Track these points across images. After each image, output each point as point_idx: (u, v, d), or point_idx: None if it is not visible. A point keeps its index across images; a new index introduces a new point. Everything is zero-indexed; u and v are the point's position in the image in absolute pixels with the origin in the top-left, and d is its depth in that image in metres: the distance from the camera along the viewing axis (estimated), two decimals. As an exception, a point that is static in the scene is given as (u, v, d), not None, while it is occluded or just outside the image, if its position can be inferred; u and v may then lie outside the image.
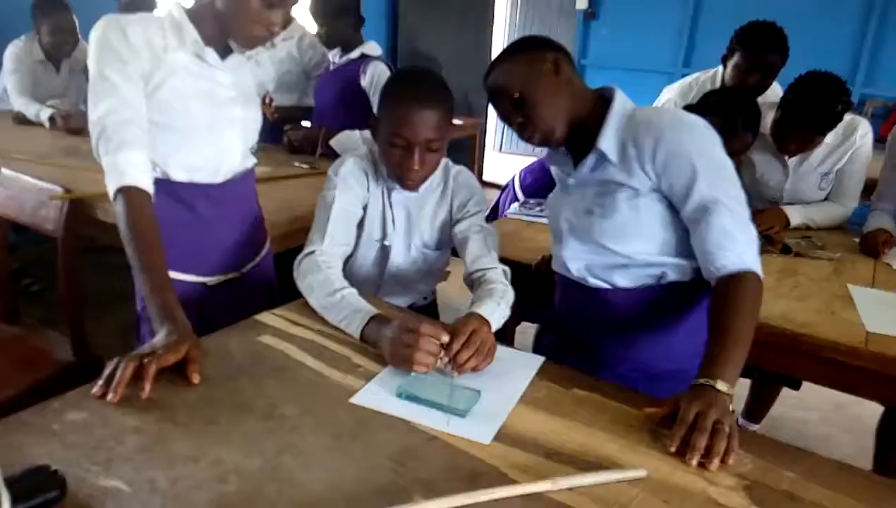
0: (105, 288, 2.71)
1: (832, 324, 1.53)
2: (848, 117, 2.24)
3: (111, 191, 1.28)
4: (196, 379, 1.08)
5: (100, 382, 1.03)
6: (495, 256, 1.52)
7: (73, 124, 2.94)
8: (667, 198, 1.28)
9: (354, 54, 2.76)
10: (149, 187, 1.30)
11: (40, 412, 0.99)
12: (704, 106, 2.00)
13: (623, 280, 1.35)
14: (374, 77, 2.70)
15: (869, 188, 2.37)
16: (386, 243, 1.62)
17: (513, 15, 7.55)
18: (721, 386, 1.07)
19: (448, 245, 1.68)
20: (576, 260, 1.38)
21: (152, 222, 1.27)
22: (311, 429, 1.00)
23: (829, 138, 2.24)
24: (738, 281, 1.20)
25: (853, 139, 2.26)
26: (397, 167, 1.46)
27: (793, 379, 2.33)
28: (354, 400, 1.08)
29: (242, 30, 1.35)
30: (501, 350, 1.28)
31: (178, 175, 1.42)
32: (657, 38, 5.13)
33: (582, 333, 1.44)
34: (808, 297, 1.68)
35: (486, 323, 1.25)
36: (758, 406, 2.61)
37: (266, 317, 1.34)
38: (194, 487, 0.86)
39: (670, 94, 2.74)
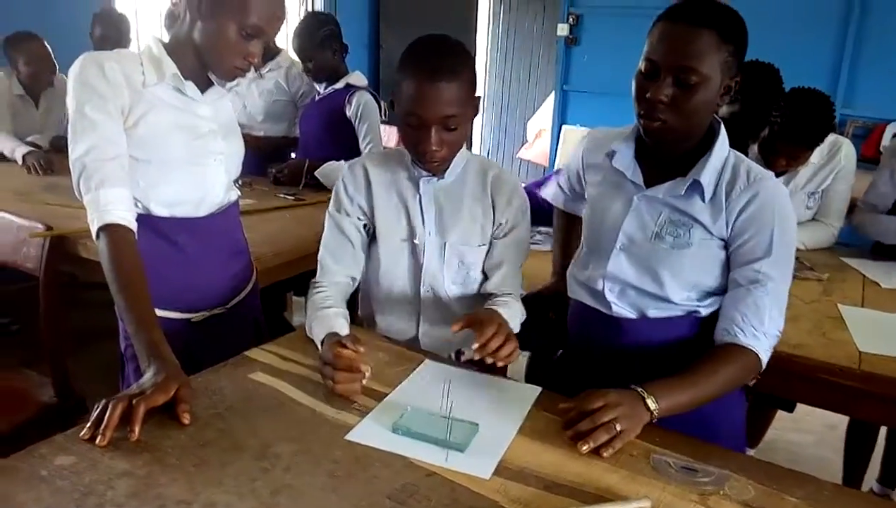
0: (86, 326, 2.66)
1: (825, 345, 1.53)
2: (832, 137, 2.30)
3: (94, 229, 1.26)
4: (186, 419, 1.05)
5: (87, 425, 1.01)
6: (518, 284, 1.51)
7: (47, 166, 2.88)
8: (726, 248, 1.26)
9: (339, 84, 2.77)
10: (132, 224, 1.28)
11: (27, 457, 0.96)
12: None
13: (655, 310, 1.30)
14: (360, 106, 2.71)
15: (854, 208, 2.41)
16: (416, 242, 1.47)
17: (494, 43, 7.64)
18: (650, 401, 1.10)
19: (486, 247, 1.50)
20: (616, 280, 1.31)
21: (136, 259, 1.25)
22: (306, 468, 0.97)
23: (815, 158, 2.29)
24: (737, 352, 1.20)
25: (838, 158, 2.31)
26: (414, 149, 1.36)
27: (787, 401, 2.33)
28: (350, 436, 1.06)
29: (221, 62, 1.34)
30: (497, 381, 1.27)
31: (160, 210, 1.40)
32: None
33: (596, 362, 1.38)
34: (799, 318, 1.68)
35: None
36: (754, 430, 2.60)
37: (256, 353, 1.32)
38: (187, 533, 0.83)
39: None
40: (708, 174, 1.23)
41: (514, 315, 1.37)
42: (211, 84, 1.44)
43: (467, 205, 1.46)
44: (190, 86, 1.38)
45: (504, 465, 1.01)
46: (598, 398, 1.08)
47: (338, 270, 1.46)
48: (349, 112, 2.72)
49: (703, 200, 1.24)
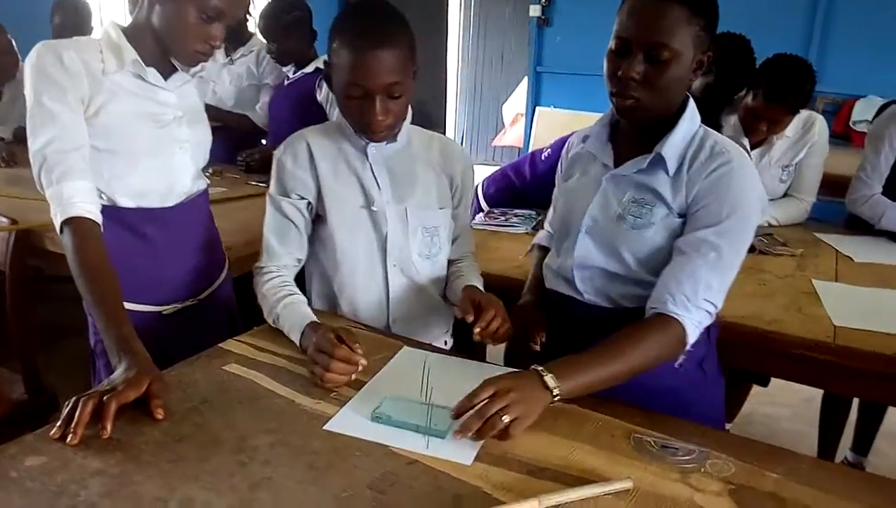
0: (55, 320, 2.60)
1: (800, 321, 1.54)
2: (806, 113, 2.34)
3: (57, 223, 1.23)
4: (160, 414, 1.02)
5: (58, 423, 0.98)
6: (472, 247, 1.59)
7: (9, 158, 2.81)
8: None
9: (309, 69, 2.74)
10: (96, 217, 1.25)
11: (-5, 458, 0.93)
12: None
13: (626, 299, 1.26)
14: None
15: (826, 183, 2.43)
16: (374, 209, 1.41)
17: (466, 25, 7.59)
18: (550, 380, 1.04)
19: (449, 211, 1.50)
20: (584, 266, 1.28)
21: (103, 253, 1.22)
22: (284, 461, 0.96)
23: (790, 132, 2.33)
24: (661, 323, 1.14)
25: (812, 133, 2.35)
26: (359, 120, 1.32)
27: (761, 376, 2.36)
28: (329, 427, 1.04)
29: (182, 46, 1.31)
30: (476, 365, 1.26)
31: (125, 201, 1.37)
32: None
33: (573, 351, 1.32)
34: (774, 294, 1.70)
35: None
36: (730, 404, 2.63)
37: (231, 345, 1.29)
38: (164, 531, 0.82)
39: None
40: (672, 148, 1.20)
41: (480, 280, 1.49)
42: (174, 70, 1.40)
43: (420, 169, 1.45)
44: (152, 73, 1.34)
45: (485, 451, 1.00)
46: (488, 387, 1.03)
47: (284, 253, 1.41)
48: (320, 96, 2.69)
49: (668, 174, 1.21)
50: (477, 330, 1.21)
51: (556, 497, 0.89)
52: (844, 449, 2.48)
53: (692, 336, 1.14)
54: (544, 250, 1.53)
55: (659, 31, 1.12)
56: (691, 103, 1.23)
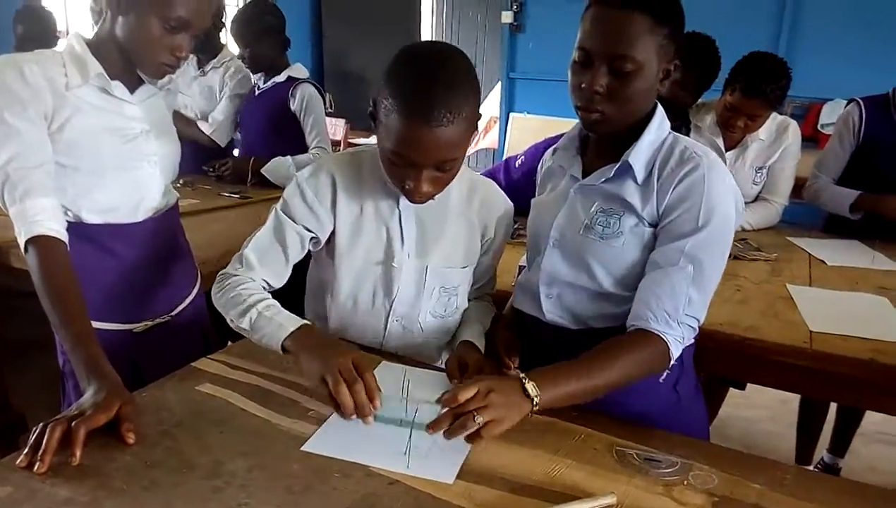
0: (23, 338, 2.54)
1: (776, 326, 1.55)
2: (780, 117, 2.40)
3: (21, 242, 1.19)
4: (131, 438, 0.99)
5: (24, 451, 0.94)
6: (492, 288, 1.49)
7: None
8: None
9: (281, 77, 2.71)
10: (62, 235, 1.21)
11: (-43, 490, 0.89)
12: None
13: (592, 318, 1.22)
14: (304, 100, 2.65)
15: (796, 186, 2.48)
16: (394, 265, 1.30)
17: (438, 30, 7.58)
18: (531, 387, 1.01)
19: (472, 271, 1.40)
20: (552, 281, 1.24)
21: (69, 272, 1.19)
22: (262, 485, 0.93)
23: (763, 134, 2.38)
24: (644, 339, 1.10)
25: (786, 136, 2.40)
26: (399, 184, 1.19)
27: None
28: (307, 447, 1.02)
29: (147, 59, 1.28)
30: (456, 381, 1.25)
31: (92, 217, 1.33)
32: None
33: None
34: (750, 300, 1.70)
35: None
36: (707, 408, 2.65)
37: (204, 364, 1.26)
38: (136, 563, 0.79)
39: None
40: (639, 155, 1.16)
41: (481, 332, 1.36)
42: (141, 82, 1.37)
43: (452, 221, 1.33)
44: (117, 86, 1.31)
45: (467, 468, 0.98)
46: (470, 387, 1.00)
47: (259, 272, 1.27)
48: (293, 105, 2.66)
49: (636, 182, 1.16)
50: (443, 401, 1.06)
51: (540, 515, 0.88)
52: (821, 450, 2.51)
53: (676, 352, 1.11)
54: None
55: (621, 42, 1.08)
56: (659, 110, 1.20)
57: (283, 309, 1.22)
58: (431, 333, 1.38)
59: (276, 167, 2.65)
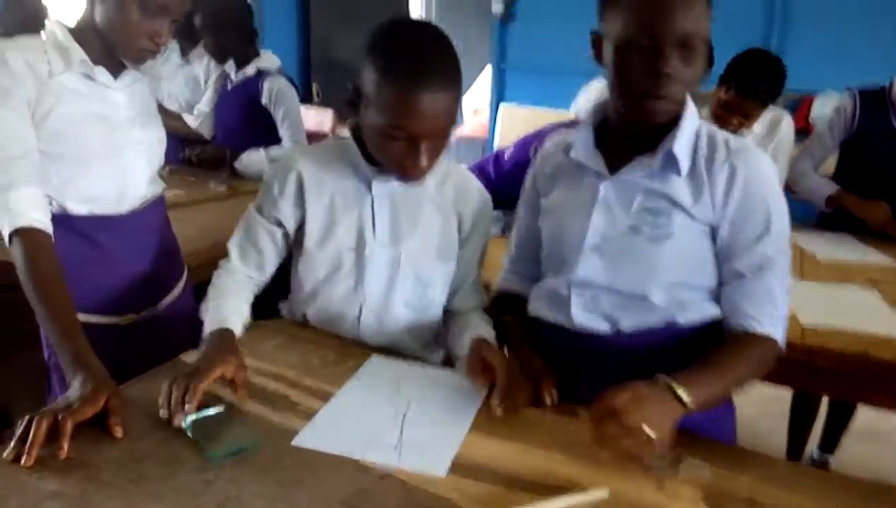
0: (7, 332, 2.51)
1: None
2: (774, 111, 2.41)
3: (5, 233, 1.17)
4: (119, 432, 0.98)
5: (11, 444, 0.93)
6: (480, 296, 1.41)
7: None
8: (712, 236, 1.13)
9: (250, 70, 2.69)
10: (47, 226, 1.20)
11: (-57, 484, 0.88)
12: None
13: (630, 320, 1.15)
14: (273, 93, 2.64)
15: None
16: (366, 253, 1.28)
17: (427, 19, 7.55)
18: (681, 391, 0.97)
19: (452, 264, 1.35)
20: (586, 286, 1.16)
21: (54, 264, 1.17)
22: (251, 478, 0.92)
23: (757, 128, 2.40)
24: (757, 341, 1.10)
25: (780, 129, 2.43)
26: (396, 162, 1.17)
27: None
28: (297, 441, 1.01)
29: (127, 44, 1.26)
30: (447, 374, 1.24)
31: (77, 207, 1.32)
32: (576, 39, 5.18)
33: (571, 387, 1.16)
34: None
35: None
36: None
37: (192, 357, 1.24)
38: (125, 558, 0.78)
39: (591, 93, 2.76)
40: (682, 144, 1.10)
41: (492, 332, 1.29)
42: (125, 68, 1.35)
43: (427, 210, 1.31)
44: (101, 72, 1.29)
45: (459, 462, 0.98)
46: (623, 394, 0.94)
47: (242, 270, 1.32)
48: (264, 99, 2.65)
49: (680, 174, 1.11)
50: (499, 409, 1.07)
51: (532, 509, 0.87)
52: (811, 447, 2.52)
53: (783, 342, 1.12)
54: (511, 297, 1.36)
55: (688, 18, 1.02)
56: (688, 97, 1.13)
57: (225, 306, 1.23)
58: (407, 327, 1.34)
59: (248, 161, 2.66)
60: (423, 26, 1.17)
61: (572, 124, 1.99)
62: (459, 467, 0.97)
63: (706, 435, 1.07)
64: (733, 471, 0.99)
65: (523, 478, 0.95)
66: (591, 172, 1.18)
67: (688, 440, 1.07)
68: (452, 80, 1.12)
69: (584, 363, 1.11)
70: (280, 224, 1.31)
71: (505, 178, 2.27)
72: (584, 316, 1.17)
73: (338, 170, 1.29)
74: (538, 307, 1.25)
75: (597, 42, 1.13)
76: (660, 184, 1.12)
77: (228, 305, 1.24)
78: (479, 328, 1.29)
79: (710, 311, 1.15)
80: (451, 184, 1.33)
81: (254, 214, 1.32)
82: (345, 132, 1.29)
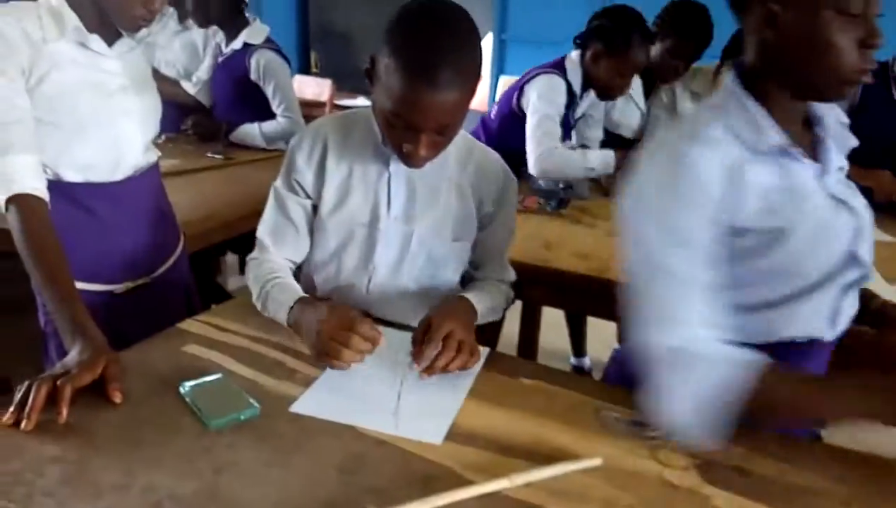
0: (3, 299, 2.51)
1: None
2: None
3: (1, 200, 1.17)
4: (118, 397, 0.99)
5: (10, 409, 0.94)
6: (505, 271, 1.40)
7: None
8: None
9: (238, 44, 2.66)
10: (43, 193, 1.19)
11: (-56, 447, 0.88)
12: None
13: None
14: (260, 67, 2.61)
15: None
16: (380, 228, 1.27)
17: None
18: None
19: (467, 245, 1.34)
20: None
21: (51, 231, 1.17)
22: (249, 444, 0.93)
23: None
24: None
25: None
26: (396, 146, 1.16)
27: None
28: (294, 408, 1.02)
29: (120, 12, 1.25)
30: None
31: (72, 175, 1.31)
32: (579, 9, 5.12)
33: None
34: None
35: (468, 313, 1.20)
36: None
37: (190, 325, 1.25)
38: (125, 520, 0.79)
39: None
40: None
41: (484, 298, 1.26)
42: (119, 36, 1.33)
43: (445, 190, 1.28)
44: (95, 40, 1.28)
45: (456, 430, 0.99)
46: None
47: (277, 253, 1.30)
48: (253, 74, 2.62)
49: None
50: (417, 368, 1.09)
51: (527, 476, 0.88)
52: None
53: None
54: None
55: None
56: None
57: (288, 282, 1.24)
58: (415, 303, 1.31)
59: (243, 135, 2.65)
60: (452, 13, 1.09)
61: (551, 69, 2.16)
62: (456, 435, 0.98)
63: None
64: (725, 442, 0.99)
65: (518, 446, 0.96)
66: (799, 164, 1.00)
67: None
68: (464, 78, 1.07)
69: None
70: (308, 195, 1.29)
71: (497, 135, 2.36)
72: (846, 322, 1.09)
73: (360, 141, 1.27)
74: (794, 328, 1.04)
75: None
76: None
77: (288, 281, 1.24)
78: (478, 293, 1.28)
79: None
80: (473, 164, 1.31)
81: (280, 192, 1.30)
82: (343, 102, 1.28)
